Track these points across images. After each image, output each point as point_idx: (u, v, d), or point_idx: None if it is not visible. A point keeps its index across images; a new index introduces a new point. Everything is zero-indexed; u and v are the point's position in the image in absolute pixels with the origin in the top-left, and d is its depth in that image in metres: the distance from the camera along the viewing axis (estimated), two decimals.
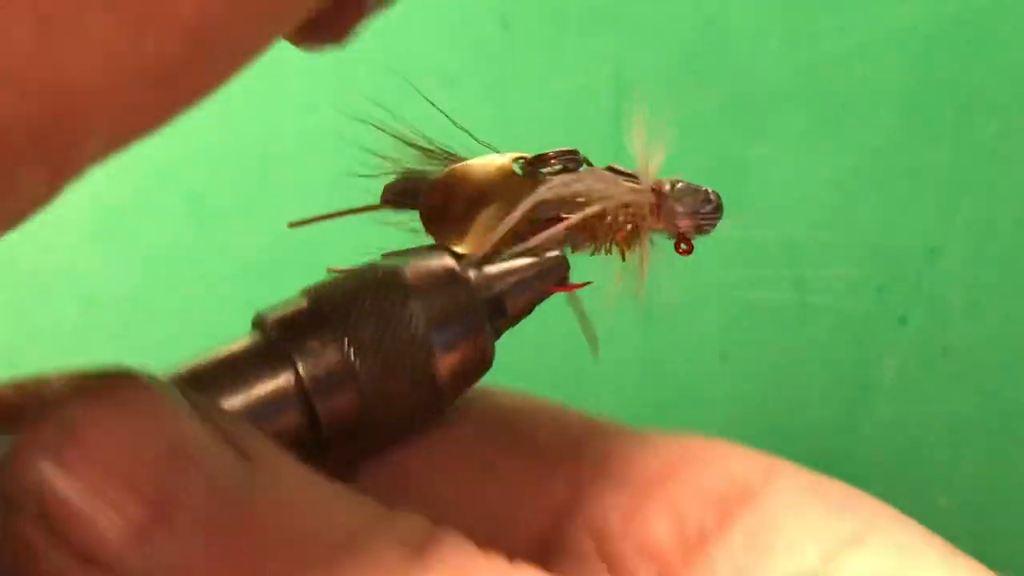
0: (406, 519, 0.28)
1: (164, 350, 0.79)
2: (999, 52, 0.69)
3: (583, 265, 0.37)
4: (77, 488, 0.26)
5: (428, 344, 0.32)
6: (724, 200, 0.37)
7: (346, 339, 0.31)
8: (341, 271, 0.33)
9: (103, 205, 0.70)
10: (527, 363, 0.72)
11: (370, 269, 0.33)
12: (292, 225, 0.37)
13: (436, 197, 0.35)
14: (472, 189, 0.35)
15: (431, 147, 0.37)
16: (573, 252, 0.36)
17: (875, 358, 0.70)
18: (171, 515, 0.26)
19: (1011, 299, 0.70)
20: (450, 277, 0.33)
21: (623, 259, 0.37)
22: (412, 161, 0.36)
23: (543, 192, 0.34)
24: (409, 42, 0.68)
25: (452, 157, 0.37)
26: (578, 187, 0.35)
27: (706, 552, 0.32)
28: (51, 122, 0.21)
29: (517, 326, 0.36)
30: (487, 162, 0.35)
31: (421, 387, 0.32)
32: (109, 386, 0.27)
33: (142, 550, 0.26)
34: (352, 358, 0.31)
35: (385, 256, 0.34)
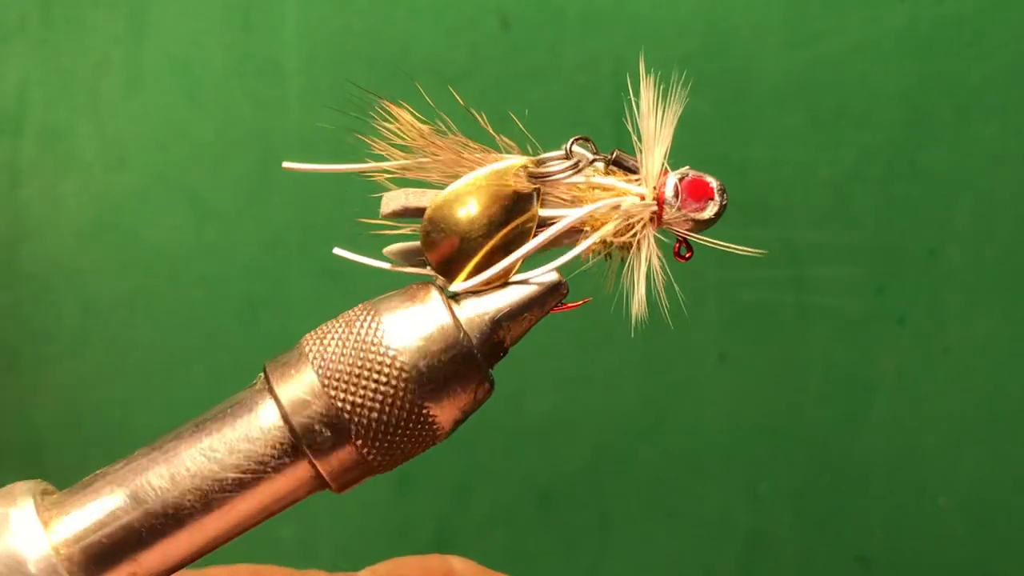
0: None
1: (164, 351, 0.79)
2: (998, 53, 0.69)
3: (583, 265, 0.37)
4: None
5: (430, 416, 0.34)
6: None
7: (353, 430, 0.33)
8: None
9: (103, 205, 0.70)
10: (529, 364, 0.73)
11: (373, 335, 0.34)
12: (287, 167, 0.37)
13: (432, 237, 0.35)
14: (465, 222, 0.35)
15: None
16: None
17: (875, 358, 0.71)
18: None
19: (1010, 299, 0.70)
20: (448, 342, 0.34)
21: (624, 262, 0.37)
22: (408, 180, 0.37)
23: (540, 241, 0.35)
24: (409, 42, 0.68)
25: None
26: (579, 218, 0.36)
27: None
28: None
29: None
30: (471, 186, 0.36)
31: (422, 443, 0.35)
32: None
33: None
34: (362, 448, 0.33)
35: (376, 301, 0.35)
